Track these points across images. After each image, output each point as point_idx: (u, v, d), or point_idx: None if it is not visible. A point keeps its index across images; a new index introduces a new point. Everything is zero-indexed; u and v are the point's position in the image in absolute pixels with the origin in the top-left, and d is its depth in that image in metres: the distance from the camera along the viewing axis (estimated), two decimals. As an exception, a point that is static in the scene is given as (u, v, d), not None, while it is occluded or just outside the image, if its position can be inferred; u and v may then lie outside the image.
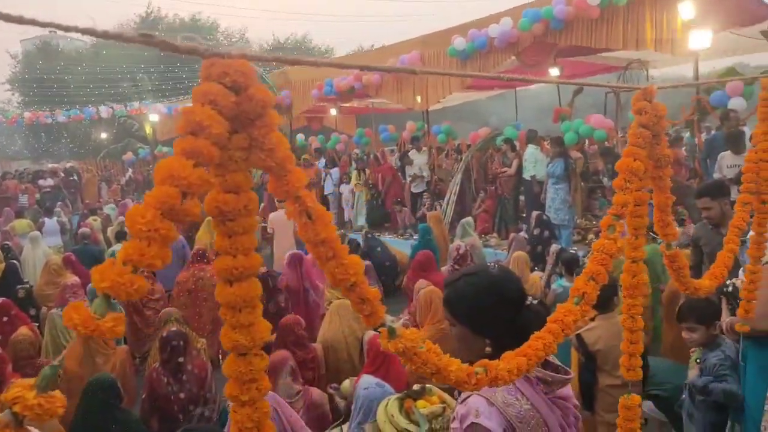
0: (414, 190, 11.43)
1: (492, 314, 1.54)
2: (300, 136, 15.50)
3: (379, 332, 1.01)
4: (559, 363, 1.65)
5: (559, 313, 1.33)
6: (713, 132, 9.61)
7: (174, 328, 4.15)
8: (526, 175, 9.67)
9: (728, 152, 6.72)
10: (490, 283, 1.61)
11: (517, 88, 16.84)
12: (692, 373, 3.12)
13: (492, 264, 1.75)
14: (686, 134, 11.46)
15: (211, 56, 0.79)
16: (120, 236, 9.35)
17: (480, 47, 9.81)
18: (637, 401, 1.80)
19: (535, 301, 1.64)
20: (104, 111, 21.21)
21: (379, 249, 9.07)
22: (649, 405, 3.72)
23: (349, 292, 0.94)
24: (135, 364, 5.87)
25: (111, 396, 3.34)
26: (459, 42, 10.06)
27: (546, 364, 1.60)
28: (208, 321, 6.84)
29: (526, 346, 1.26)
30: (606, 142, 10.09)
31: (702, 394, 2.98)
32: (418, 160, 11.51)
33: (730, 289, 2.70)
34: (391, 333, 0.99)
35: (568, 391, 1.66)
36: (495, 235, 10.02)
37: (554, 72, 11.75)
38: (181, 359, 3.85)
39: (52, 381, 0.70)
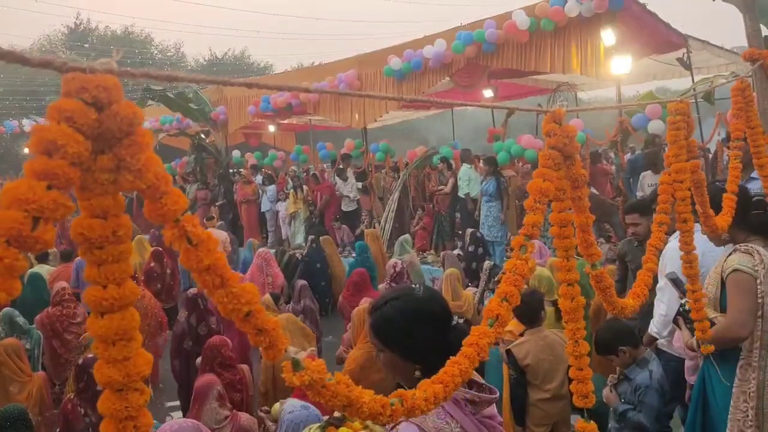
0: (344, 209, 11.46)
1: (419, 338, 1.52)
2: (236, 153, 15.23)
3: (283, 365, 0.95)
4: (483, 381, 1.65)
5: (473, 337, 1.31)
6: (637, 152, 10.13)
7: (91, 355, 3.93)
8: (461, 193, 9.87)
9: (649, 172, 7.09)
10: (415, 306, 1.58)
11: (454, 109, 17.31)
12: (606, 391, 3.19)
13: (416, 285, 1.73)
14: (611, 154, 12.02)
15: (69, 71, 0.71)
16: (41, 257, 8.84)
17: (415, 68, 9.99)
18: (594, 429, 1.72)
19: (461, 321, 1.63)
20: (28, 124, 20.12)
21: (318, 265, 8.99)
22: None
23: (244, 323, 0.87)
24: (54, 391, 5.53)
25: (20, 428, 3.11)
26: (395, 62, 10.21)
27: (471, 384, 1.59)
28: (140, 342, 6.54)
29: (442, 373, 1.23)
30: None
31: (619, 421, 3.07)
32: (351, 178, 11.55)
33: (687, 307, 2.70)
34: (296, 365, 0.95)
35: (493, 410, 1.65)
36: (432, 252, 10.13)
37: (488, 93, 12.13)
38: (98, 387, 3.63)
39: None
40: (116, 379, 0.77)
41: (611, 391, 3.13)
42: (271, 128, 15.61)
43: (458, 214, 10.37)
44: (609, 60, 8.26)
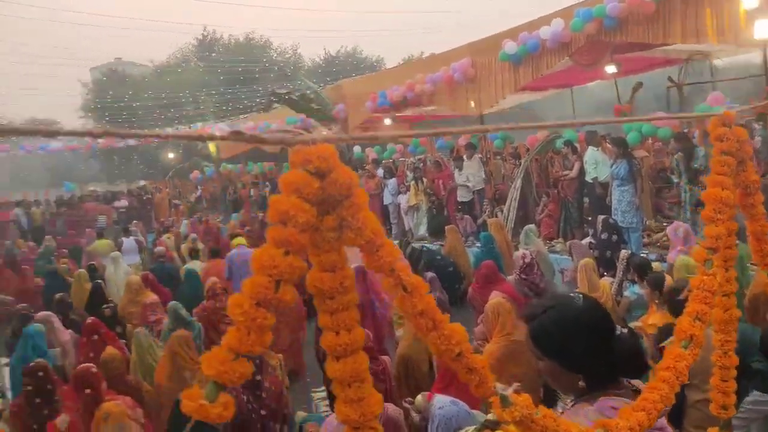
0: (460, 199, 11.41)
1: (580, 349, 1.47)
2: (356, 148, 15.76)
3: (491, 401, 0.98)
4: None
5: (669, 360, 1.27)
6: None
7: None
8: (588, 178, 9.49)
9: None
10: (576, 316, 1.53)
11: (574, 86, 16.53)
12: None
13: (574, 294, 1.69)
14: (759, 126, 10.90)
15: (297, 143, 0.83)
16: (193, 253, 9.82)
17: (532, 50, 9.74)
18: None
19: (624, 330, 1.60)
20: (171, 133, 22.27)
21: (438, 257, 9.14)
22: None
23: (455, 362, 0.93)
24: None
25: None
26: (510, 46, 10.02)
27: (636, 394, 1.53)
28: (285, 335, 7.04)
29: (642, 400, 1.20)
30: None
31: None
32: (467, 168, 11.41)
33: None
34: (504, 401, 0.96)
35: (663, 421, 1.59)
36: (560, 240, 9.87)
37: (611, 69, 11.48)
38: (258, 377, 4.04)
39: (216, 392, 0.78)
40: (353, 419, 0.87)
41: None
42: (387, 121, 15.96)
43: (586, 200, 9.98)
44: (751, 23, 7.51)
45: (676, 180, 8.20)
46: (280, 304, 0.79)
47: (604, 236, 7.24)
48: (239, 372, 0.80)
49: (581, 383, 1.48)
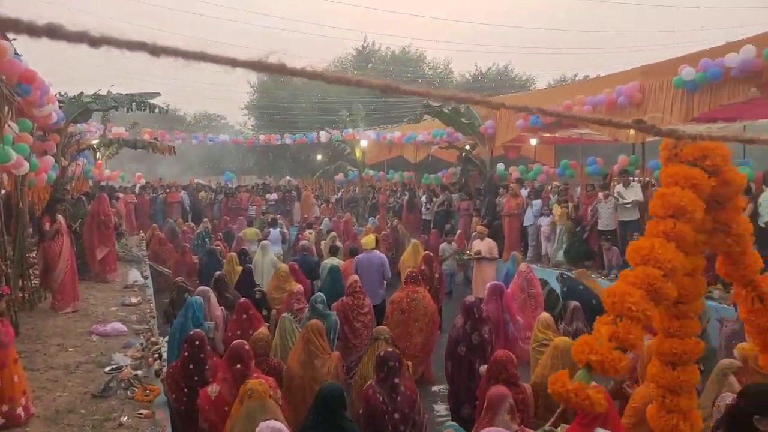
0: (604, 228, 10.68)
1: None
2: (500, 165, 15.51)
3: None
4: None
5: None
6: None
7: (390, 349, 4.41)
8: (761, 222, 8.47)
9: None
10: None
11: (745, 121, 14.92)
12: None
13: None
14: None
15: (686, 138, 0.79)
16: (333, 251, 10.24)
17: (712, 78, 8.91)
18: None
19: None
20: (323, 136, 23.58)
21: (581, 287, 8.65)
22: None
23: None
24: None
25: (341, 405, 3.65)
26: (687, 72, 9.26)
27: None
28: (418, 342, 7.09)
29: None
30: None
31: None
32: (627, 195, 10.71)
33: None
34: None
35: None
36: (719, 286, 8.90)
37: (804, 104, 10.18)
38: (396, 380, 4.07)
39: (589, 379, 0.77)
40: (682, 429, 0.81)
41: None
42: (533, 141, 15.53)
43: (756, 246, 8.91)
44: None
45: None
46: (665, 299, 0.76)
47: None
48: (623, 363, 0.78)
49: None
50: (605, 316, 0.77)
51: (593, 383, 1.55)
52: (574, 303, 6.31)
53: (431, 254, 9.62)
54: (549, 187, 13.95)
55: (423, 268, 9.27)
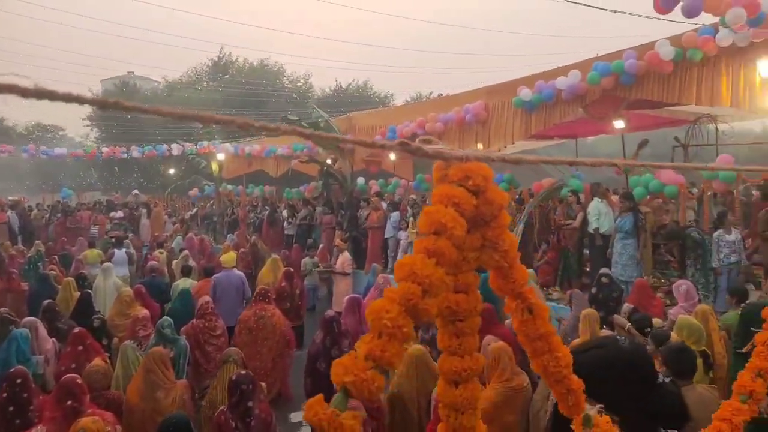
0: None
1: (622, 392, 1.45)
2: (360, 180, 15.76)
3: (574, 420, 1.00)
4: None
5: (726, 411, 1.26)
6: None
7: (243, 372, 4.19)
8: (590, 229, 9.45)
9: None
10: (622, 358, 1.51)
11: (578, 138, 16.70)
12: None
13: (621, 338, 1.66)
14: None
15: (452, 159, 0.82)
16: (185, 271, 9.64)
17: (547, 99, 9.82)
18: None
19: (667, 380, 1.56)
20: (176, 149, 22.31)
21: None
22: None
23: (557, 384, 0.95)
24: (194, 399, 5.93)
25: (184, 436, 3.38)
26: (525, 93, 10.11)
27: None
28: (268, 360, 6.89)
29: None
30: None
31: None
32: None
33: None
34: (587, 421, 1.02)
35: None
36: (557, 288, 9.76)
37: (619, 125, 11.58)
38: (250, 403, 3.88)
39: (345, 403, 0.71)
40: None
41: None
42: (392, 156, 16.01)
43: (586, 251, 9.92)
44: (766, 91, 7.60)
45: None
46: (424, 315, 0.73)
47: (599, 294, 7.22)
48: (377, 383, 0.72)
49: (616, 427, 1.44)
50: (368, 334, 0.76)
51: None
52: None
53: (291, 270, 9.45)
54: (406, 201, 14.41)
55: (284, 284, 9.07)
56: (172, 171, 27.22)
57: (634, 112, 11.78)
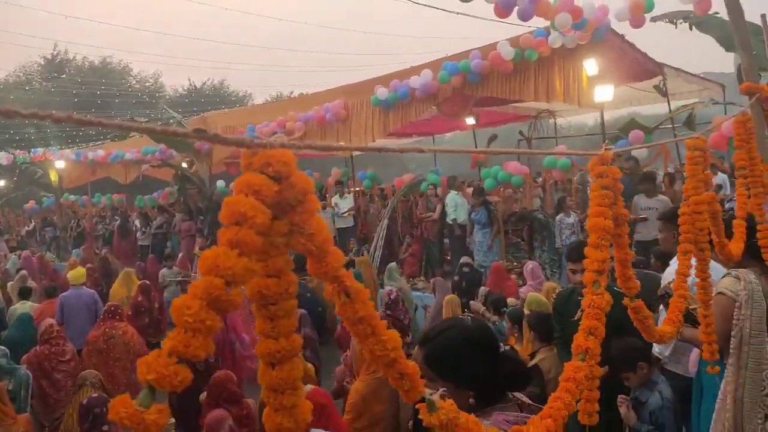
0: (338, 226, 11.42)
1: (474, 366, 1.56)
2: (220, 183, 15.16)
3: (418, 407, 1.03)
4: (528, 400, 1.70)
5: (569, 371, 1.38)
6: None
7: (95, 395, 3.84)
8: (448, 219, 9.97)
9: (642, 195, 7.20)
10: (469, 335, 1.64)
11: (435, 135, 17.57)
12: (623, 410, 3.19)
13: (464, 316, 1.81)
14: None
15: (255, 147, 0.82)
16: (24, 293, 8.62)
17: (402, 97, 10.14)
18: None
19: (507, 347, 1.69)
20: (4, 157, 19.80)
21: (308, 295, 8.92)
22: None
23: (388, 368, 0.95)
24: (43, 433, 5.36)
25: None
26: (381, 92, 10.36)
27: (522, 407, 1.66)
28: (122, 383, 6.38)
29: (548, 408, 1.31)
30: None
31: None
32: (343, 205, 11.55)
33: (664, 292, 2.84)
34: (431, 406, 1.02)
35: None
36: (422, 278, 10.15)
37: (470, 121, 12.35)
38: (105, 428, 3.56)
39: (150, 399, 0.70)
40: (287, 426, 0.84)
41: (629, 409, 3.14)
42: (255, 158, 15.60)
43: (447, 240, 10.45)
44: (592, 88, 8.51)
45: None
46: (231, 306, 0.74)
47: (462, 281, 7.67)
48: (181, 376, 0.69)
49: (472, 401, 1.54)
50: (173, 330, 0.78)
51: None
52: (301, 311, 6.42)
53: (148, 283, 8.84)
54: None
55: (140, 299, 8.44)
56: (1, 183, 24.19)
57: (484, 110, 12.63)
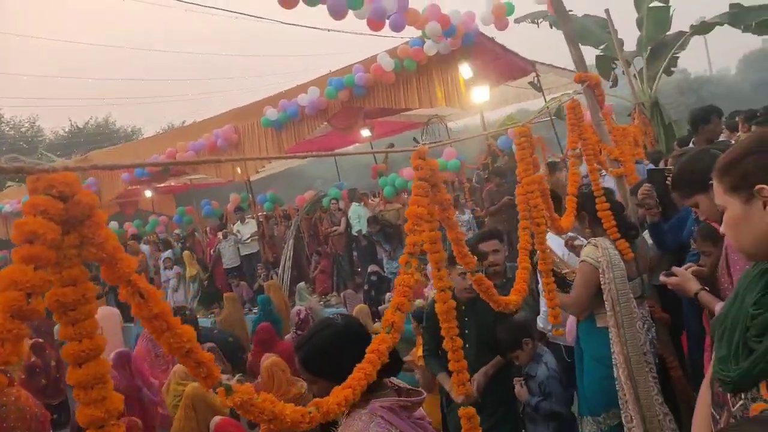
0: (228, 265, 11.21)
1: (349, 359, 1.62)
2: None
3: (217, 392, 1.11)
4: (408, 386, 1.81)
5: (374, 344, 1.51)
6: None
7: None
8: (354, 231, 10.06)
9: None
10: (342, 331, 1.77)
11: (337, 151, 17.64)
12: (517, 387, 3.38)
13: (333, 316, 1.91)
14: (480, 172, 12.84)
15: (37, 172, 0.92)
16: None
17: (292, 116, 10.14)
18: (472, 412, 1.97)
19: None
20: None
21: (216, 331, 8.67)
22: None
23: (186, 359, 1.05)
24: None
25: None
26: (271, 113, 10.29)
27: (400, 391, 1.76)
28: None
29: (350, 379, 1.42)
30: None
31: (534, 411, 3.30)
32: (245, 231, 11.34)
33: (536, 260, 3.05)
34: (228, 390, 1.11)
35: (422, 411, 1.85)
36: (335, 293, 10.16)
37: (365, 133, 12.56)
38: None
39: None
40: (98, 416, 0.92)
41: (522, 386, 3.33)
42: (148, 193, 14.98)
43: (355, 253, 10.52)
44: (469, 91, 8.93)
45: None
46: (33, 314, 0.86)
47: (371, 290, 7.76)
48: None
49: None
50: None
51: None
52: (209, 344, 6.24)
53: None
54: (171, 238, 13.60)
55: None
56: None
57: (377, 120, 12.88)
